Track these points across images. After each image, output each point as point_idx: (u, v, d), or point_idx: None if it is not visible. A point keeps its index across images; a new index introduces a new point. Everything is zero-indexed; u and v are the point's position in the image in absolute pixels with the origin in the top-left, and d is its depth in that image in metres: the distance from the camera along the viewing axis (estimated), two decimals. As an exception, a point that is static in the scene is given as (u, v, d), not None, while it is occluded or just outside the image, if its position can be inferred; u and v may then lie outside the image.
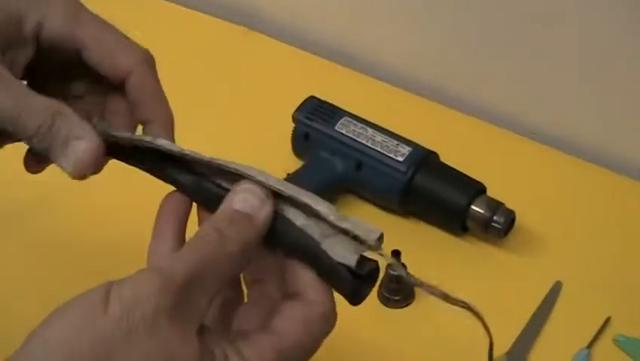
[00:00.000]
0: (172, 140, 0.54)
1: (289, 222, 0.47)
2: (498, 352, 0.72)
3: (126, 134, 0.52)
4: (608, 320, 0.74)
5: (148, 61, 0.54)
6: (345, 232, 0.46)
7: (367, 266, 0.46)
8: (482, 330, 0.74)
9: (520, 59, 0.93)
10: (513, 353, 0.72)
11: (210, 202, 0.49)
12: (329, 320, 0.46)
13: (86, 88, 0.56)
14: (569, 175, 0.88)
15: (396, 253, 0.73)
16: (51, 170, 0.54)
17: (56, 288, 0.76)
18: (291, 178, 0.83)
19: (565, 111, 0.93)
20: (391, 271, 0.74)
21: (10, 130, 0.50)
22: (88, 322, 0.40)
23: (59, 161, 0.51)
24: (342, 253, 0.45)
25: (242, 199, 0.46)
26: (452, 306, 0.76)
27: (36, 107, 0.50)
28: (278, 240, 0.47)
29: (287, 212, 0.47)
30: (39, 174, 0.56)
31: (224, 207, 0.46)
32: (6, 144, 0.54)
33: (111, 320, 0.40)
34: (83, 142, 0.50)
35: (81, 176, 0.51)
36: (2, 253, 0.81)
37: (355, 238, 0.46)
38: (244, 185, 0.47)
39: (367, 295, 0.46)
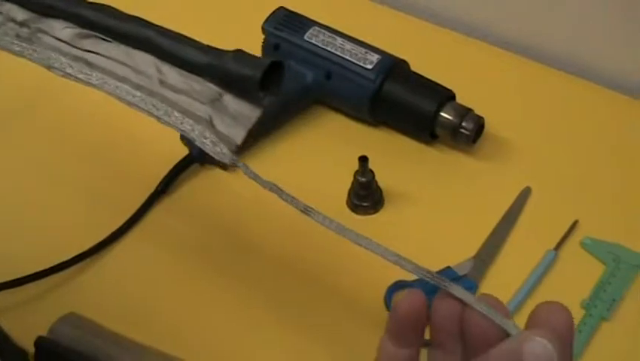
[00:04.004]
0: None
1: None
2: (466, 255, 0.73)
3: None
4: (575, 224, 0.75)
5: None
6: None
7: None
8: (449, 234, 0.75)
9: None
10: (479, 256, 0.72)
11: None
12: None
13: None
14: (538, 82, 0.88)
15: (363, 159, 0.73)
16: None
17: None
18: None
19: (535, 19, 0.92)
20: (360, 178, 0.74)
21: None
22: None
23: None
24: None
25: (533, 353, 0.40)
26: (420, 211, 0.77)
27: None
28: None
29: None
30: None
31: (509, 351, 0.40)
32: None
33: None
34: None
35: None
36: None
37: None
38: (538, 337, 0.40)
39: None
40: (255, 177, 0.46)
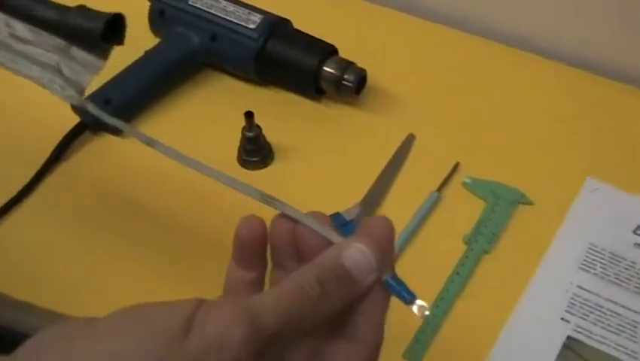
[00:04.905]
0: None
1: None
2: (354, 201, 0.76)
3: None
4: (456, 166, 0.78)
5: None
6: None
7: None
8: (337, 182, 0.78)
9: None
10: (366, 200, 0.75)
11: None
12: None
13: None
14: (420, 36, 0.91)
15: (249, 114, 0.75)
16: None
17: None
18: (149, 55, 0.84)
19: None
20: (247, 133, 0.76)
21: None
22: (161, 351, 0.37)
23: None
24: None
25: (352, 258, 0.42)
26: (309, 163, 0.80)
27: None
28: None
29: None
30: None
31: (331, 258, 0.42)
32: None
33: (186, 357, 0.37)
34: None
35: None
36: None
37: None
38: (357, 243, 0.43)
39: None
40: (105, 118, 0.48)
